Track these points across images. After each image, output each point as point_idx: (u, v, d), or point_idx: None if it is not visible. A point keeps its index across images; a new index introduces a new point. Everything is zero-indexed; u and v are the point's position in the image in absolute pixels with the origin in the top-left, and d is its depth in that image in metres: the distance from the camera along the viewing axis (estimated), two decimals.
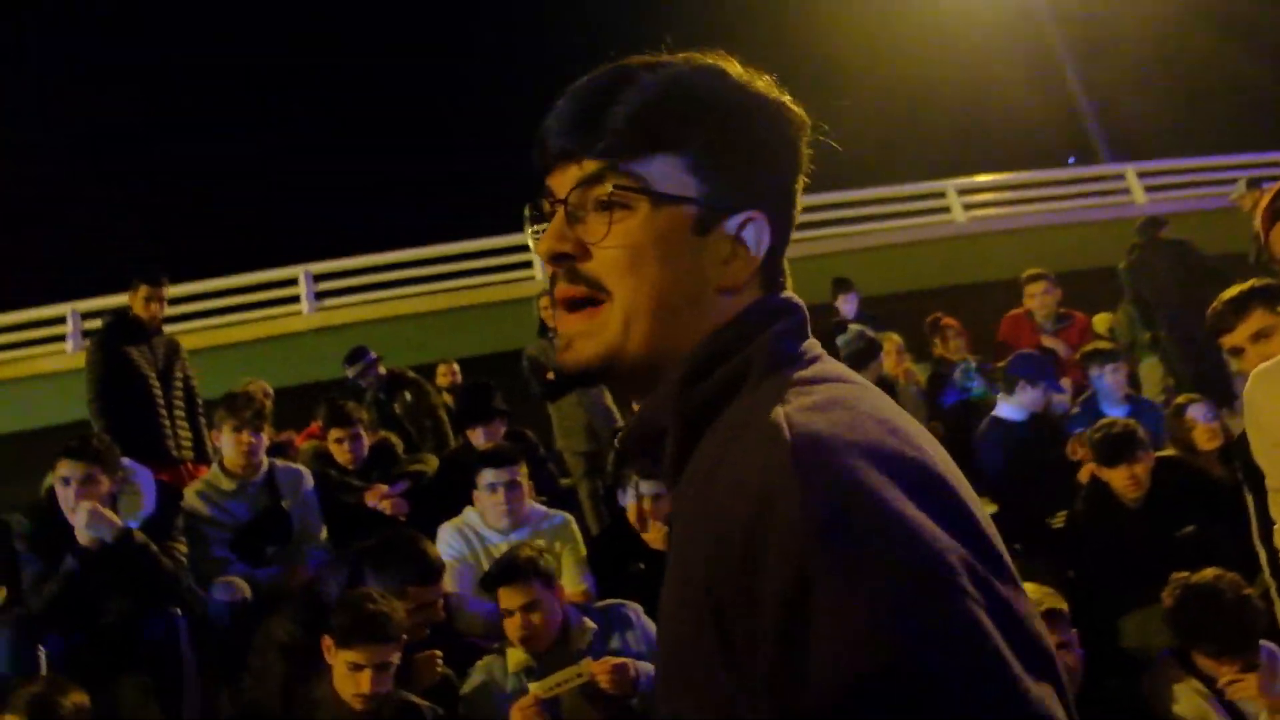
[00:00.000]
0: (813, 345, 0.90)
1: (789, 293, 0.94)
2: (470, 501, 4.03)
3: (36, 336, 14.63)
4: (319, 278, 14.80)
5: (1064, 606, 3.13)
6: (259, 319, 14.44)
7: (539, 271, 14.32)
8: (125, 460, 3.92)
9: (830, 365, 0.86)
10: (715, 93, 0.88)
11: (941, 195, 15.46)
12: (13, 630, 3.52)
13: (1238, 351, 3.03)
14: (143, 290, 5.43)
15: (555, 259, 0.88)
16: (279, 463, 4.43)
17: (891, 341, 6.26)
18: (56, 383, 13.80)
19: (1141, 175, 15.92)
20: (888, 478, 0.69)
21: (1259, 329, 2.95)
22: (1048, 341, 6.43)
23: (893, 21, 21.16)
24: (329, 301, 14.74)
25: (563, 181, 0.88)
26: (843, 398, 0.78)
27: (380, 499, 4.46)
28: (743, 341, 0.85)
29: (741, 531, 0.69)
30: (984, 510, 0.78)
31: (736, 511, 0.70)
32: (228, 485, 4.24)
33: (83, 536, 3.54)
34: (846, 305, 7.66)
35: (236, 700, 3.65)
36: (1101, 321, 8.10)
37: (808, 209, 14.65)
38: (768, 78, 0.92)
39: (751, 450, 0.73)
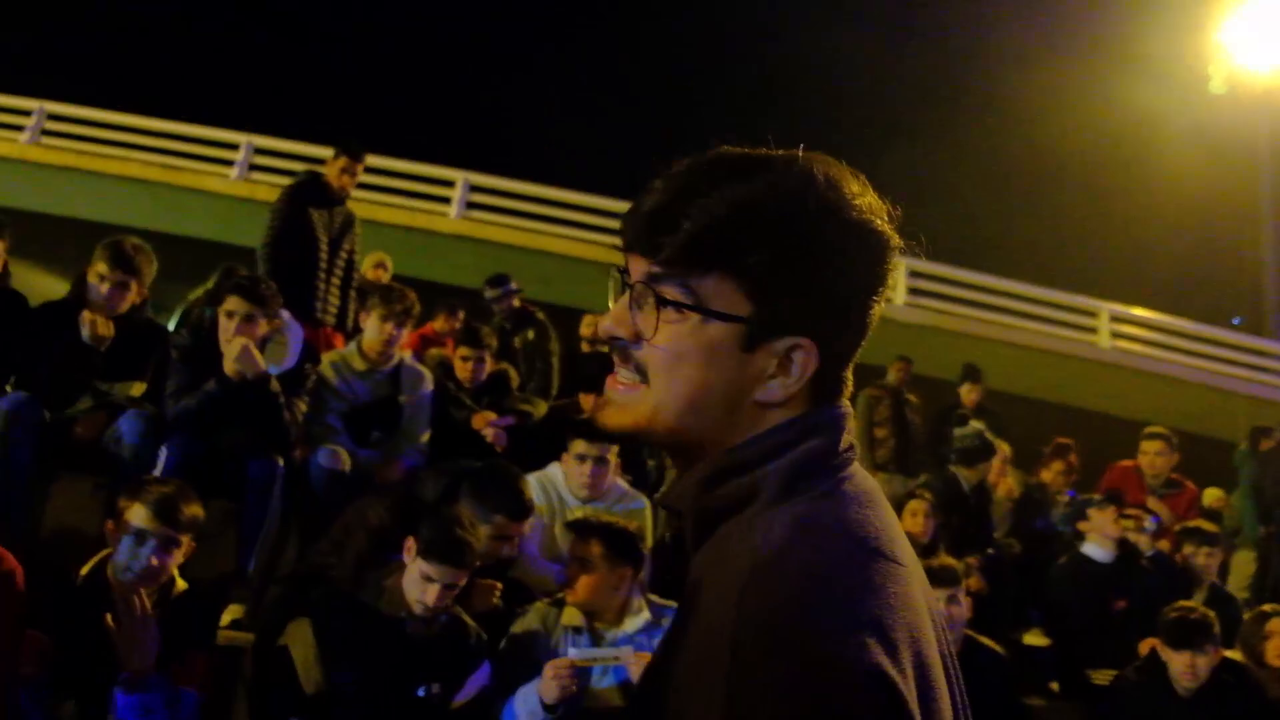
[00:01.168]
0: (838, 467, 0.93)
1: (842, 403, 0.97)
2: (558, 458, 4.21)
3: (208, 154, 15.44)
4: (474, 188, 15.23)
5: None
6: (405, 207, 14.96)
7: None
8: (284, 313, 4.23)
9: (834, 505, 0.90)
10: (785, 221, 0.89)
11: (1093, 315, 15.04)
12: (144, 424, 3.85)
13: None
14: (342, 161, 5.78)
15: (611, 340, 0.96)
16: (408, 360, 4.71)
17: (1002, 451, 6.24)
18: (215, 201, 14.62)
19: None
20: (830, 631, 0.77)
21: None
22: (1152, 504, 6.29)
23: (1107, 125, 20.51)
24: (475, 214, 15.17)
25: (635, 268, 0.94)
26: (820, 553, 0.84)
27: (486, 425, 4.68)
28: (762, 460, 0.91)
29: (705, 651, 0.80)
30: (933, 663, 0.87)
31: (707, 631, 0.82)
32: (359, 365, 4.53)
33: (229, 367, 3.86)
34: (973, 395, 7.64)
35: (304, 559, 3.93)
36: (1211, 496, 7.86)
37: (959, 283, 14.45)
38: (868, 193, 0.93)
39: (728, 587, 0.82)
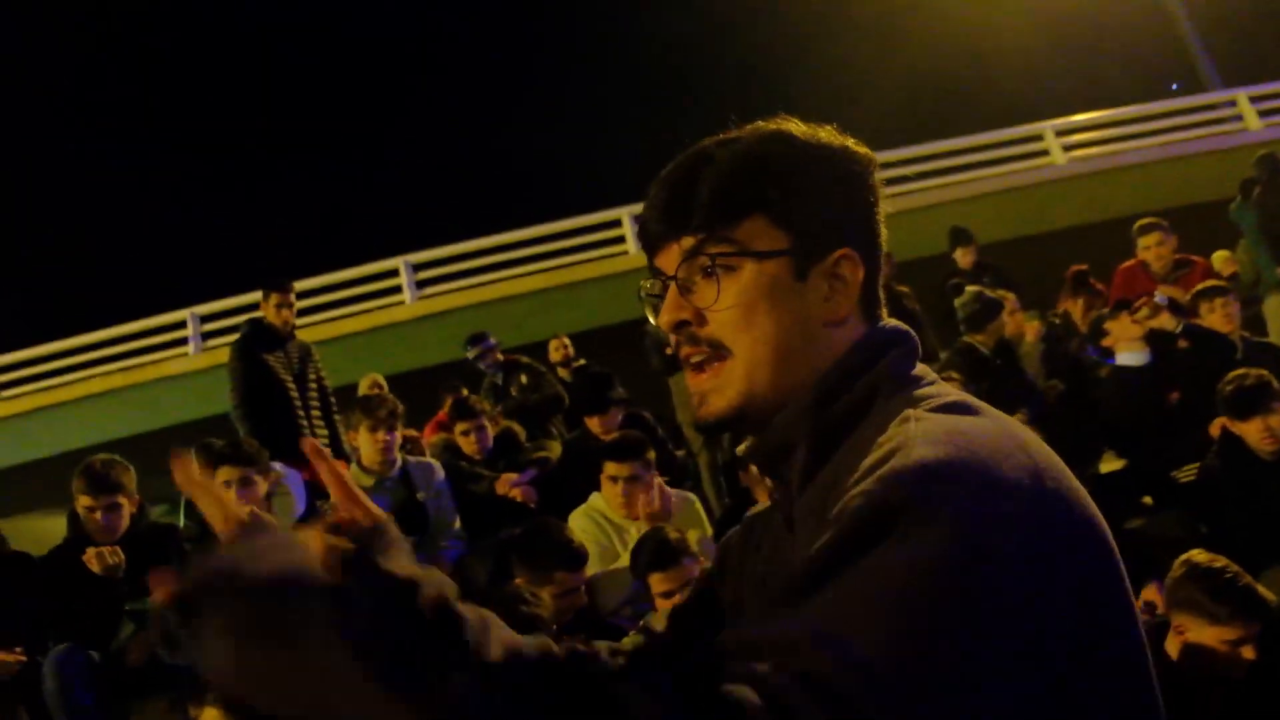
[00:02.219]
0: (924, 369, 0.98)
1: (893, 321, 1.02)
2: (596, 487, 4.15)
3: (160, 341, 15.42)
4: (418, 267, 15.20)
5: None
6: (362, 311, 14.95)
7: (631, 246, 14.43)
8: (276, 464, 4.17)
9: (944, 388, 0.94)
10: (783, 155, 0.97)
11: (1039, 138, 14.98)
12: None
13: None
14: (273, 299, 5.72)
15: (675, 328, 0.99)
16: (411, 458, 4.65)
17: (1007, 300, 6.15)
18: (182, 383, 14.58)
19: (1255, 100, 15.10)
20: (999, 514, 0.75)
21: None
22: (1166, 290, 6.21)
23: None
24: (429, 289, 15.14)
25: (668, 260, 0.99)
26: (958, 426, 0.83)
27: (510, 487, 4.62)
28: (867, 366, 0.95)
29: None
30: (1101, 523, 0.85)
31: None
32: (366, 481, 4.46)
33: None
34: (965, 258, 7.57)
35: None
36: (1220, 260, 7.77)
37: (904, 161, 14.42)
38: (829, 127, 1.02)
39: (883, 466, 0.79)
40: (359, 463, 4.54)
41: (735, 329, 0.95)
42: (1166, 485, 4.81)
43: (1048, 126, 15.03)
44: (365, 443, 4.49)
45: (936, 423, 0.83)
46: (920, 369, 0.98)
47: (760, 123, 1.01)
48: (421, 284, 15.10)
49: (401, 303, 14.98)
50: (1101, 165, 14.55)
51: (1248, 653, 2.67)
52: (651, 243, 1.01)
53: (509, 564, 3.33)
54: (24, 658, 3.68)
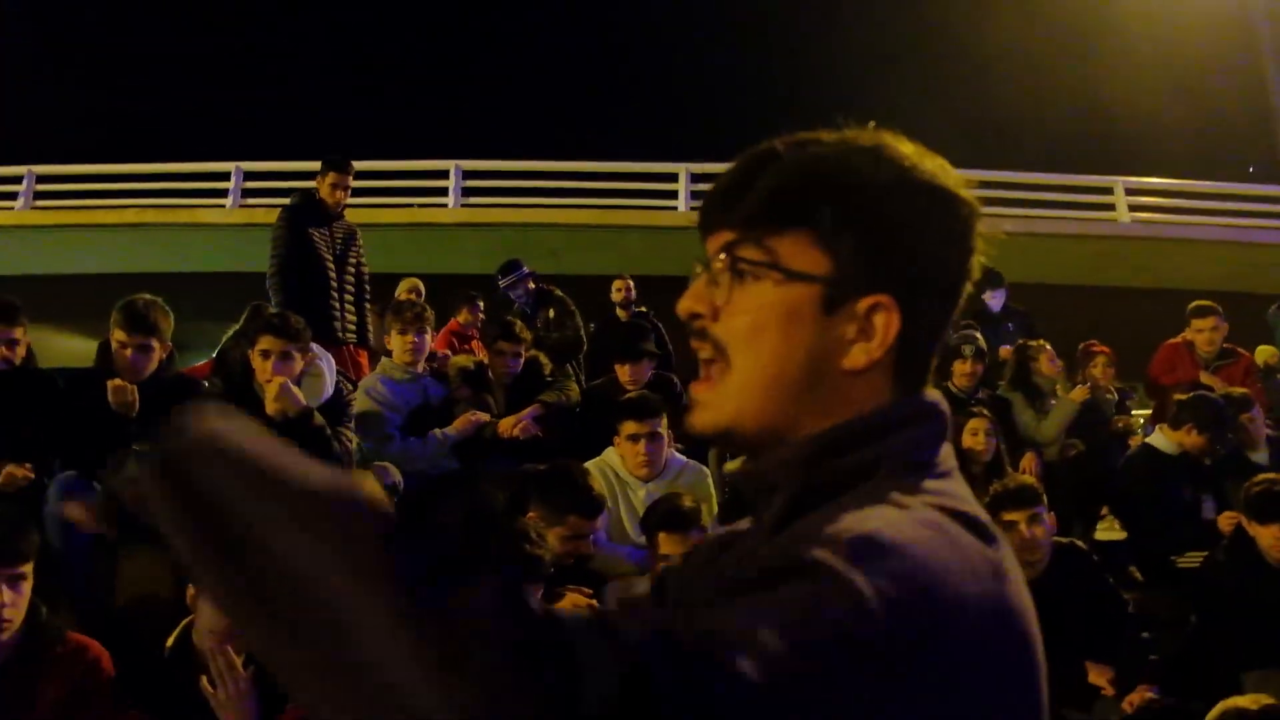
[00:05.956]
0: (946, 456, 0.89)
1: (932, 393, 0.92)
2: (611, 441, 4.18)
3: (201, 188, 15.44)
4: (468, 174, 15.14)
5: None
6: (404, 204, 14.92)
7: (682, 204, 14.35)
8: (314, 345, 4.19)
9: (955, 485, 0.86)
10: (858, 171, 0.88)
11: (1109, 191, 14.77)
12: None
13: None
14: (331, 176, 5.70)
15: (690, 317, 0.92)
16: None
17: (1046, 350, 6.13)
18: (215, 233, 14.62)
19: None
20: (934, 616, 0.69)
21: None
22: (1206, 378, 6.17)
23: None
24: (474, 199, 15.09)
25: (712, 246, 0.92)
26: (948, 533, 0.77)
27: (513, 428, 4.69)
28: (879, 436, 0.86)
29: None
30: (1039, 661, 0.80)
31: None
32: (400, 375, 4.80)
33: (270, 407, 3.83)
34: (993, 300, 7.49)
35: None
36: (1264, 354, 7.72)
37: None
38: (939, 160, 0.91)
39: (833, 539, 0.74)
40: (394, 361, 4.85)
41: (741, 341, 0.88)
42: (1164, 566, 4.85)
43: (1119, 181, 14.83)
44: (398, 345, 4.79)
45: (917, 514, 0.77)
46: (943, 454, 0.89)
47: (862, 130, 0.92)
48: (468, 191, 15.06)
49: (444, 205, 14.94)
50: (1165, 232, 14.38)
51: None
52: (702, 224, 0.94)
53: (526, 498, 3.35)
54: (32, 475, 3.73)
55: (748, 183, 0.89)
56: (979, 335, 6.49)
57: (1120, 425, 5.71)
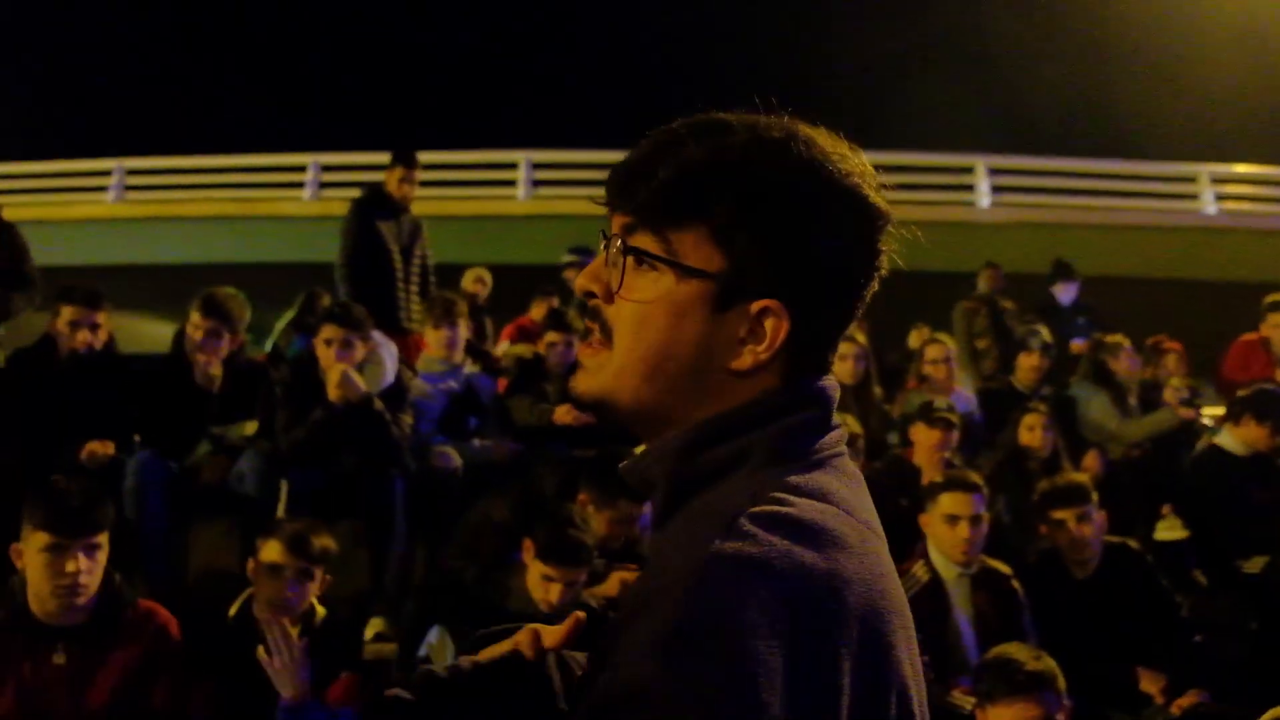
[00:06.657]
0: (830, 443, 0.89)
1: (827, 379, 0.91)
2: None
3: (280, 180, 15.88)
4: (537, 165, 15.30)
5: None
6: (473, 197, 15.15)
7: None
8: (376, 333, 4.35)
9: (823, 476, 0.85)
10: (761, 169, 0.86)
11: (1192, 180, 14.29)
12: (263, 462, 4.04)
13: None
14: (399, 171, 5.88)
15: (585, 294, 0.93)
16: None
17: (1124, 344, 5.95)
18: (293, 225, 15.04)
19: None
20: (775, 622, 0.72)
21: None
22: None
23: None
24: (544, 190, 15.25)
25: (613, 226, 0.91)
26: (809, 520, 0.79)
27: (567, 414, 4.75)
28: (749, 426, 0.86)
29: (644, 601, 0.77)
30: (913, 654, 0.83)
31: (657, 588, 0.77)
32: (435, 369, 4.87)
33: (332, 394, 3.99)
34: (1064, 294, 7.32)
35: (436, 567, 4.07)
36: None
37: (1040, 173, 13.92)
38: (863, 160, 0.89)
39: (698, 541, 0.77)
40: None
41: (627, 326, 0.89)
42: (1226, 570, 4.73)
43: (1204, 170, 14.33)
44: (431, 339, 4.89)
45: (758, 541, 0.76)
46: (825, 441, 0.88)
47: (779, 120, 0.89)
48: (537, 183, 15.21)
49: (514, 197, 15.13)
50: (1252, 224, 13.85)
51: None
52: (607, 196, 0.93)
53: (576, 482, 3.45)
54: (113, 452, 3.96)
55: (650, 170, 0.88)
56: (1043, 329, 6.36)
57: (1184, 416, 5.53)
